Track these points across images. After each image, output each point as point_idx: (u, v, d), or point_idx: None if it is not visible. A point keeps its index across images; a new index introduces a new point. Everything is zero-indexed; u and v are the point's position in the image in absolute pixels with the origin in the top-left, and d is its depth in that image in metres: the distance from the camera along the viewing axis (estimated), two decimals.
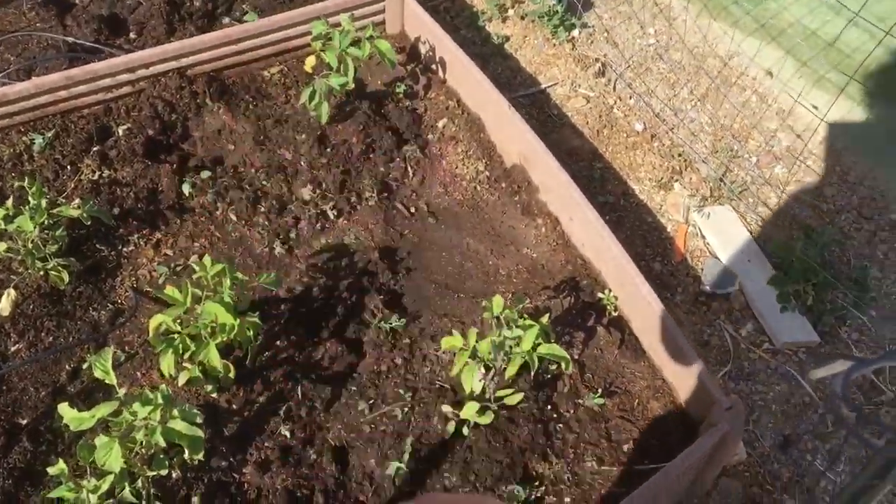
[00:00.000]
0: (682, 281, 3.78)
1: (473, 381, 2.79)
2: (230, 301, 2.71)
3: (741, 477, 3.19)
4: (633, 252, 3.85)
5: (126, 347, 3.04)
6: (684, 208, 4.05)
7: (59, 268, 3.01)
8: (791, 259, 3.71)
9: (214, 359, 2.68)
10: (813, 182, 4.26)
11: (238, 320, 2.71)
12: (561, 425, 3.02)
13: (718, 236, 3.90)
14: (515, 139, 3.71)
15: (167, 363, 2.68)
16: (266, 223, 3.47)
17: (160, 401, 2.37)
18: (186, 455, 2.47)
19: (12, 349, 2.95)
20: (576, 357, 3.19)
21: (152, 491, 2.54)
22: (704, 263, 3.84)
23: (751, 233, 3.93)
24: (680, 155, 4.27)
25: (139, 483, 2.50)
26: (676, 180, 4.17)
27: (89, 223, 3.14)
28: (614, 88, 4.64)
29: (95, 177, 3.47)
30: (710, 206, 4.03)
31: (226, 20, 4.51)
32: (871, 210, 4.14)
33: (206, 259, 2.79)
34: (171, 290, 2.69)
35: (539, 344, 2.73)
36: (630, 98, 4.59)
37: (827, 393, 3.42)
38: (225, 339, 2.72)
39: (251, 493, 2.74)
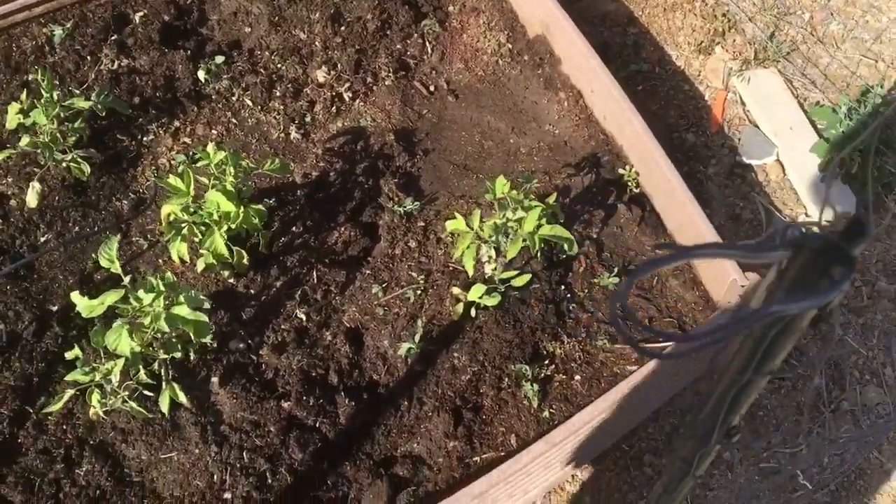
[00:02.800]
0: (717, 152, 3.60)
1: (477, 263, 2.76)
2: (232, 189, 2.73)
3: None
4: (666, 123, 3.67)
5: (148, 236, 3.13)
6: (724, 73, 3.80)
7: (79, 159, 3.08)
8: (837, 124, 3.46)
9: (220, 246, 2.73)
10: (872, 37, 3.91)
11: (242, 208, 2.74)
12: (574, 305, 2.99)
13: (760, 103, 3.66)
14: (536, 7, 3.50)
15: (176, 250, 2.75)
16: (281, 108, 3.43)
17: (162, 288, 2.44)
18: (194, 340, 2.56)
19: (42, 240, 3.07)
20: (594, 236, 3.12)
21: (171, 373, 2.67)
22: (742, 132, 3.63)
23: (796, 98, 3.67)
24: (724, 15, 3.96)
25: (156, 366, 2.63)
26: (718, 43, 3.90)
27: (104, 114, 3.18)
28: None
29: (114, 66, 3.48)
30: (752, 70, 3.77)
31: None
32: None
33: (210, 147, 2.80)
34: (173, 180, 2.72)
35: (541, 225, 2.67)
36: None
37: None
38: (231, 226, 2.76)
39: (268, 373, 2.85)
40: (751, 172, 3.53)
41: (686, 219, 2.91)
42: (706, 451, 1.19)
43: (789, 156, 3.50)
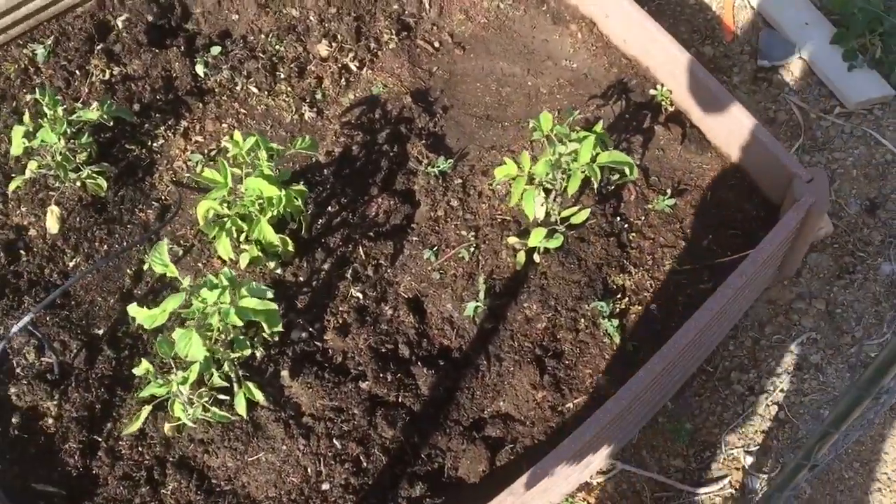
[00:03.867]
0: (738, 60, 3.51)
1: (535, 206, 2.66)
2: (271, 173, 2.60)
3: (830, 250, 3.06)
4: (680, 40, 3.55)
5: (181, 241, 2.98)
6: None
7: (94, 175, 2.92)
8: (852, 11, 3.38)
9: (269, 234, 2.60)
10: None
11: (283, 191, 2.61)
12: (634, 234, 2.90)
13: (769, 3, 3.57)
14: None
15: (223, 246, 2.62)
16: (289, 89, 3.29)
17: (226, 283, 2.31)
18: (266, 331, 2.44)
19: (70, 264, 2.92)
20: (637, 162, 3.02)
21: (241, 373, 2.55)
22: (758, 36, 3.54)
23: None
24: None
25: (226, 367, 2.50)
26: None
27: (111, 124, 3.03)
28: None
29: (106, 76, 3.31)
30: None
31: None
32: None
33: (237, 135, 2.67)
34: (209, 173, 2.59)
35: (598, 154, 2.57)
36: None
37: None
38: (274, 212, 2.64)
39: (337, 357, 2.74)
40: (775, 74, 3.46)
41: (734, 124, 2.83)
42: None
43: (811, 51, 3.43)
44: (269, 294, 2.40)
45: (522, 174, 2.66)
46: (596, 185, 2.68)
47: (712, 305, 2.44)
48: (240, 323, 2.29)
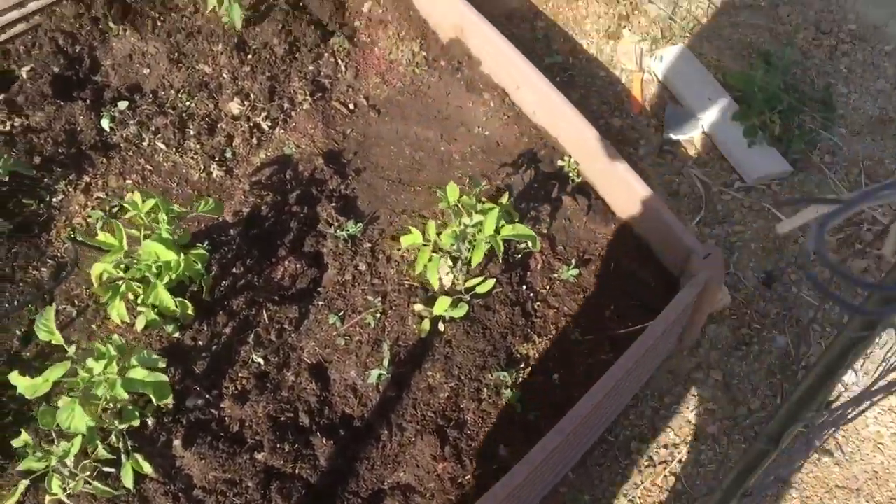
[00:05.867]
0: (644, 133, 3.62)
1: (440, 275, 2.66)
2: (169, 237, 2.54)
3: (728, 321, 3.14)
4: (589, 111, 3.67)
5: (75, 301, 2.88)
6: (636, 55, 3.84)
7: None
8: (753, 89, 3.54)
9: (166, 299, 2.53)
10: (767, 3, 4.03)
11: (182, 255, 2.55)
12: (539, 303, 2.92)
13: (675, 79, 3.71)
14: (447, 10, 3.45)
15: (116, 311, 2.54)
16: (198, 147, 3.24)
17: (114, 353, 2.23)
18: (155, 403, 2.35)
19: None
20: (544, 231, 3.06)
21: (129, 444, 2.45)
22: (664, 110, 3.66)
23: (708, 69, 3.74)
24: None
25: (113, 438, 2.40)
26: (625, 27, 3.94)
27: (7, 178, 2.92)
28: None
29: (7, 127, 3.21)
30: (662, 49, 3.82)
31: None
32: (828, 23, 3.94)
33: (136, 195, 2.60)
34: (103, 236, 2.51)
35: (502, 226, 2.59)
36: None
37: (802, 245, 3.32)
38: (172, 276, 2.57)
39: (233, 426, 2.66)
40: (680, 147, 3.57)
41: (635, 199, 2.90)
42: (799, 424, 1.11)
43: (714, 126, 3.56)
44: (161, 364, 2.33)
45: (428, 243, 2.66)
46: (500, 256, 2.70)
47: (609, 379, 2.46)
48: (126, 396, 2.20)
